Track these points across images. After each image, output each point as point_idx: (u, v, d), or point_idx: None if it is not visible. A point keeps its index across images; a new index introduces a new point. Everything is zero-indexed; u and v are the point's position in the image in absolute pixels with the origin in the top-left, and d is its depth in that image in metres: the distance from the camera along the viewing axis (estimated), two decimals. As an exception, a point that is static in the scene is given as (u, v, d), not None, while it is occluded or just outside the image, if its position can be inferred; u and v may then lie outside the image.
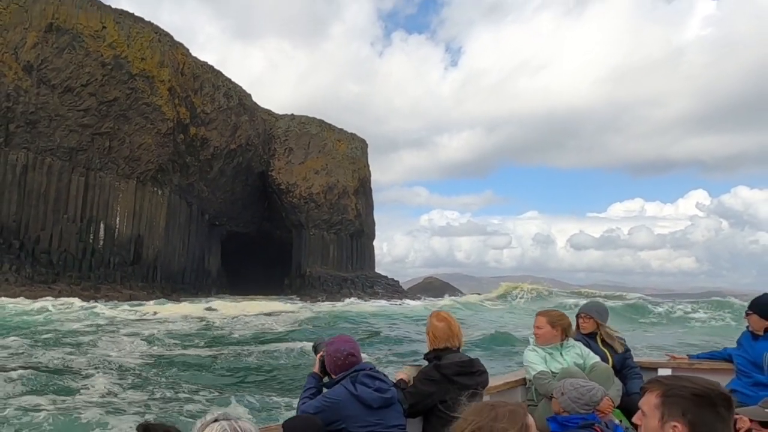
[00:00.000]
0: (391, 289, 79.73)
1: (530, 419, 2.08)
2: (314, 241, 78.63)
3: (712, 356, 5.75)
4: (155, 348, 19.59)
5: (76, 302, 41.95)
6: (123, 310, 37.36)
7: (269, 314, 37.20)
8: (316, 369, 3.88)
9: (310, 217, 78.45)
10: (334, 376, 3.70)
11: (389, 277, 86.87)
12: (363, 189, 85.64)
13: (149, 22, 63.54)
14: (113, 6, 61.69)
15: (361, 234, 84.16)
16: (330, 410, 3.45)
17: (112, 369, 14.26)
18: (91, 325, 27.01)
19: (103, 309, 36.94)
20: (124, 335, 22.26)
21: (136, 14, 63.02)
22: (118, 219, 59.74)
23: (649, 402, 2.15)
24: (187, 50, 67.80)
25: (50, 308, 36.18)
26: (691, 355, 5.99)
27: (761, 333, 4.97)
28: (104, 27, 59.44)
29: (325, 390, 3.71)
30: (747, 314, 5.10)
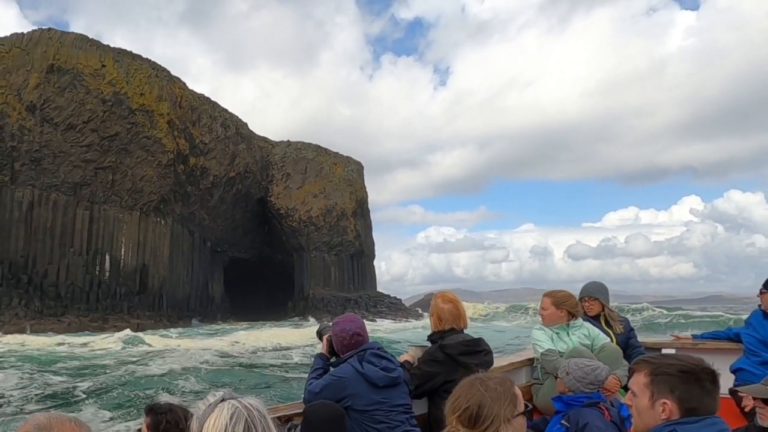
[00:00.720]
0: (394, 307, 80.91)
1: (517, 389, 2.27)
2: (315, 264, 79.97)
3: (716, 336, 5.78)
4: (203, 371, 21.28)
5: (95, 339, 41.86)
6: (143, 345, 37.18)
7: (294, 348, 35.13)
8: (323, 350, 3.92)
9: (311, 240, 79.90)
10: (341, 356, 3.75)
11: (390, 295, 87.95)
12: (361, 210, 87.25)
13: (147, 58, 65.64)
14: (109, 42, 64.08)
15: (361, 254, 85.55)
16: (336, 387, 3.50)
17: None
18: (126, 359, 27.98)
19: (124, 344, 37.06)
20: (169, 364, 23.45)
21: (133, 51, 65.13)
22: (123, 250, 61.08)
23: (638, 382, 2.20)
24: (184, 84, 69.82)
25: (76, 344, 36.49)
26: (695, 335, 6.04)
27: None
28: (103, 65, 61.45)
29: (332, 369, 3.76)
30: (761, 292, 5.04)
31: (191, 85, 71.30)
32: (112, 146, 61.19)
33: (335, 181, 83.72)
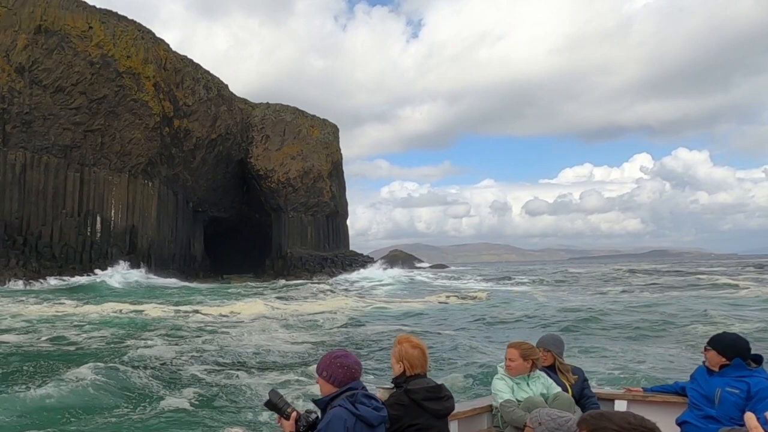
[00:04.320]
0: (368, 266, 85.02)
1: None
2: (293, 224, 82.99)
3: (665, 389, 6.05)
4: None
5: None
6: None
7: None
8: (288, 430, 3.58)
9: (289, 201, 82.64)
10: (333, 388, 3.68)
11: (363, 254, 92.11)
12: (336, 172, 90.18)
13: (132, 20, 65.81)
14: None
15: (336, 214, 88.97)
16: None
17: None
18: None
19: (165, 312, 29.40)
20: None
21: (119, 13, 65.13)
22: (113, 211, 62.85)
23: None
24: (168, 45, 70.27)
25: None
26: (645, 388, 6.36)
27: (717, 369, 5.11)
28: (90, 27, 61.55)
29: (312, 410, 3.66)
30: (705, 350, 5.23)
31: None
32: (101, 109, 62.01)
33: (312, 144, 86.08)
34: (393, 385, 4.24)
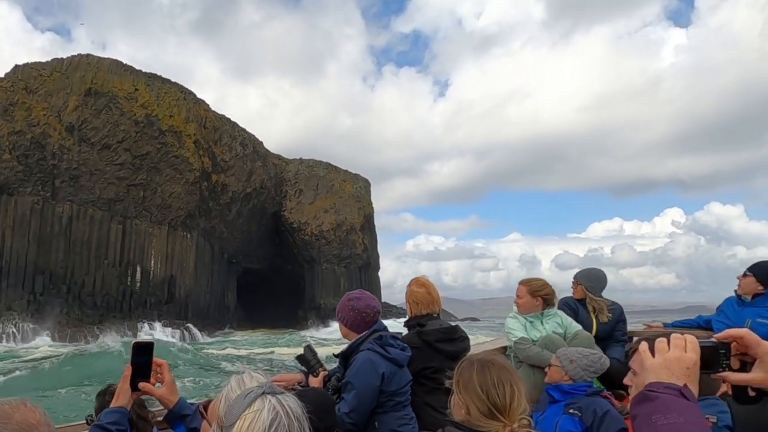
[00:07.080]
0: (402, 317, 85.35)
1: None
2: (326, 275, 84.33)
3: (686, 324, 5.78)
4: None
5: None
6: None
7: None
8: (316, 384, 3.46)
9: (322, 253, 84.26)
10: (351, 332, 3.59)
11: (397, 306, 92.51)
12: (368, 225, 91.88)
13: (175, 82, 69.96)
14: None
15: (368, 266, 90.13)
16: (374, 383, 3.38)
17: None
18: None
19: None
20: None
21: (163, 76, 69.43)
22: (152, 262, 65.11)
23: (637, 360, 2.13)
24: (208, 105, 74.15)
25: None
26: (666, 323, 6.09)
27: (750, 298, 4.86)
28: (136, 89, 65.66)
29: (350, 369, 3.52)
30: (744, 275, 4.92)
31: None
32: (144, 165, 65.29)
33: (345, 197, 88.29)
34: (406, 328, 4.18)
